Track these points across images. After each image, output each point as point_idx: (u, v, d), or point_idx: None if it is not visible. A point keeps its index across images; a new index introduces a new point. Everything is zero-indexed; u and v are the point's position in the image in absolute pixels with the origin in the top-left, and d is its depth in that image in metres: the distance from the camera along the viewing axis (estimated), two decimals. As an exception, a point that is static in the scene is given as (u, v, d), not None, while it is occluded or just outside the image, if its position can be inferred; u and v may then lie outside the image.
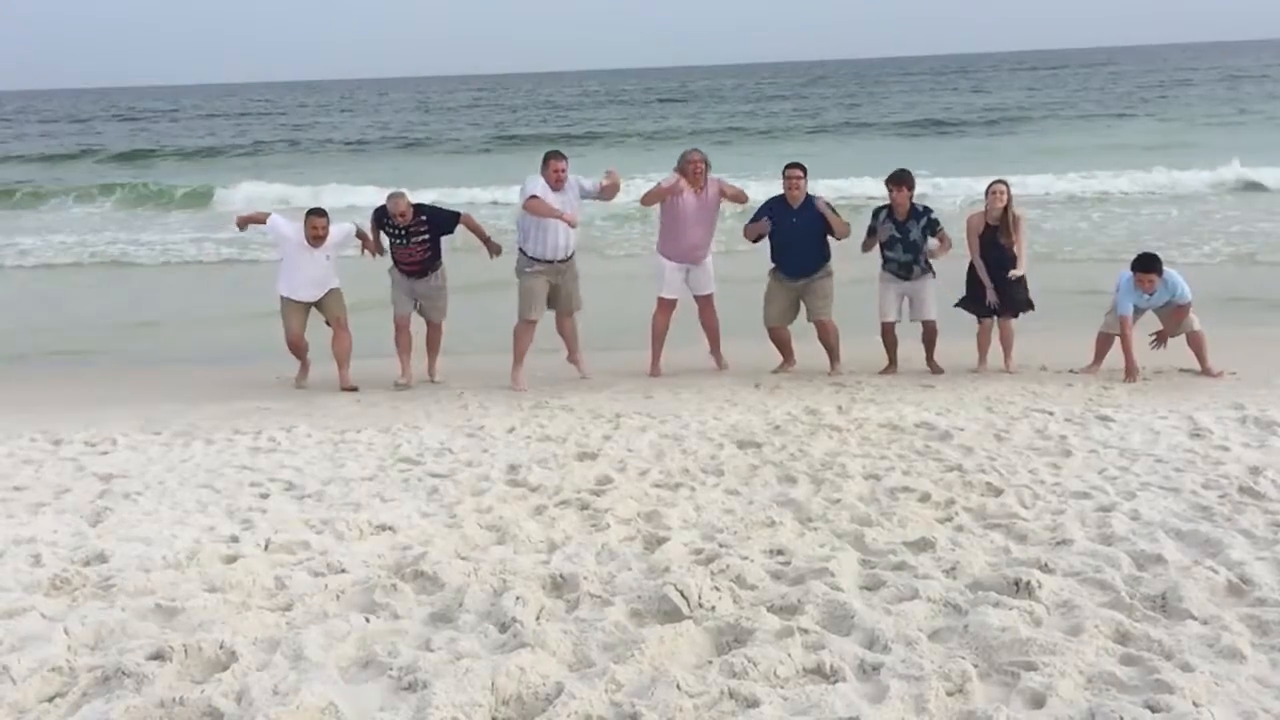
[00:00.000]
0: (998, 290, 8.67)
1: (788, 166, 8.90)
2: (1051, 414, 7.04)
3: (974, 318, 8.94)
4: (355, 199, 22.20)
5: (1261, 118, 36.45)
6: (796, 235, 8.74)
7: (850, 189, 19.36)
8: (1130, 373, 8.33)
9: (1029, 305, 8.86)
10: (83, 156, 40.93)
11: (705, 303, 9.10)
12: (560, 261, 8.79)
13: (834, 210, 8.80)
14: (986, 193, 8.74)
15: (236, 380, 9.53)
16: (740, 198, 9.13)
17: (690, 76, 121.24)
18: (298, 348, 9.10)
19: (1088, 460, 5.88)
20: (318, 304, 9.07)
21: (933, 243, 8.66)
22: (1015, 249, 8.64)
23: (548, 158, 8.75)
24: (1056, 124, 38.79)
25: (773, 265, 9.00)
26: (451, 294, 9.29)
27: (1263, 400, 7.24)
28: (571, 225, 8.64)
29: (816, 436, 6.58)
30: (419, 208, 9.02)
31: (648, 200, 9.01)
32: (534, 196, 8.49)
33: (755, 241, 9.00)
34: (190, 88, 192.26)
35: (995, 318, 8.81)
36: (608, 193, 8.97)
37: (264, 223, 9.12)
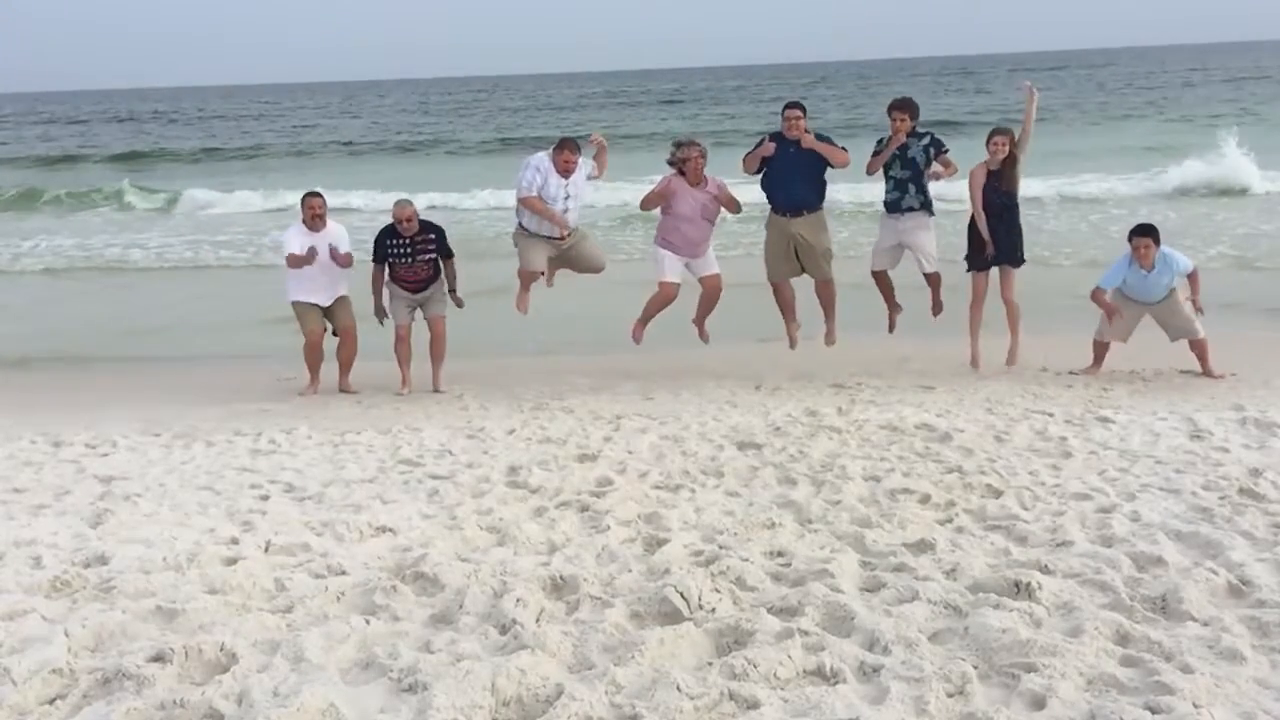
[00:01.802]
0: (996, 241, 8.67)
1: (787, 106, 8.80)
2: (1051, 415, 7.04)
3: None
4: (344, 201, 22.10)
5: (1264, 119, 36.39)
6: (793, 164, 8.62)
7: (850, 190, 19.28)
8: (1109, 314, 8.38)
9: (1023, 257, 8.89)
10: (81, 158, 40.97)
11: (710, 279, 8.96)
12: (561, 238, 8.74)
13: (828, 140, 8.72)
14: (987, 144, 8.69)
15: (237, 382, 9.53)
16: (734, 206, 8.97)
17: (690, 78, 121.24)
18: (317, 349, 9.01)
19: (1088, 462, 5.88)
20: (328, 313, 9.04)
21: (936, 167, 8.62)
22: (1026, 124, 8.66)
23: (562, 145, 8.62)
24: (1057, 125, 38.71)
25: (769, 207, 8.87)
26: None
27: (1262, 402, 7.24)
28: (563, 229, 8.61)
29: (816, 438, 6.58)
30: (426, 224, 8.94)
31: (647, 205, 8.95)
32: (530, 196, 8.50)
33: (756, 172, 8.78)
34: (190, 89, 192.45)
35: (992, 270, 8.79)
36: (600, 173, 8.98)
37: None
